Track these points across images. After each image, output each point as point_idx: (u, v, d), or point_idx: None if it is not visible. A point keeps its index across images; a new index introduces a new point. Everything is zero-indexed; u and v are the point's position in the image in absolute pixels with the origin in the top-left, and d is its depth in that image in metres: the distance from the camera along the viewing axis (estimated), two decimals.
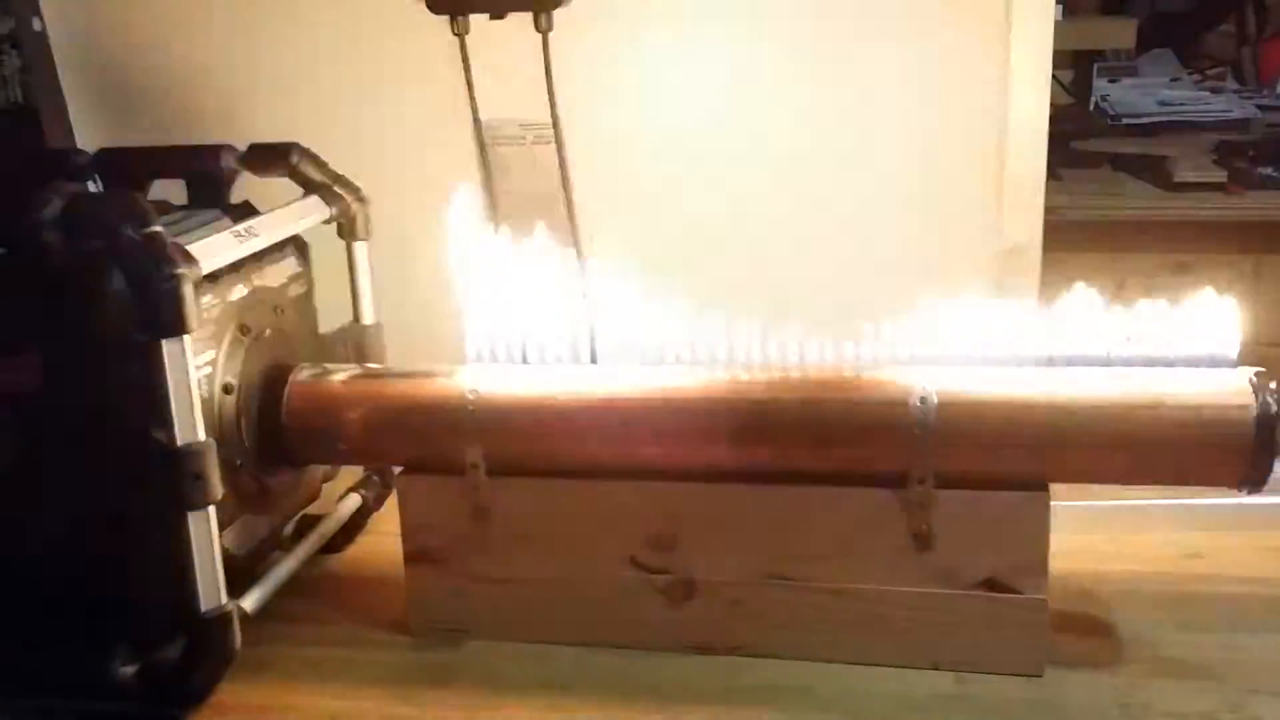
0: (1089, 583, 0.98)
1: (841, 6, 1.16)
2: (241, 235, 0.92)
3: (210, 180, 1.01)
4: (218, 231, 0.92)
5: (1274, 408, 0.80)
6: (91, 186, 1.04)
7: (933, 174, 1.18)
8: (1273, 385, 0.81)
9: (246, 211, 1.00)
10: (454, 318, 1.14)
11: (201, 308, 0.88)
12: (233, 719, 0.89)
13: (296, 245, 1.04)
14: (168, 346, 0.81)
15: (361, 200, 1.08)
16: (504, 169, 1.25)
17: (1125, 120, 2.00)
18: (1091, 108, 2.07)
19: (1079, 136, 2.00)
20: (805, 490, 0.88)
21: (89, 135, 1.32)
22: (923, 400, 0.84)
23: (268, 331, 0.98)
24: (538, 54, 1.17)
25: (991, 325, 0.89)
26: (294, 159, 1.04)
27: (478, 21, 1.18)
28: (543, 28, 1.16)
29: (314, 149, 1.06)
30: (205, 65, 1.29)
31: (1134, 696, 0.84)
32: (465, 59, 1.20)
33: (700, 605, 0.91)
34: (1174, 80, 2.15)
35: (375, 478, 1.15)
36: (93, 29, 1.31)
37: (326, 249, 1.08)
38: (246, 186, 1.02)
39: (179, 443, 0.82)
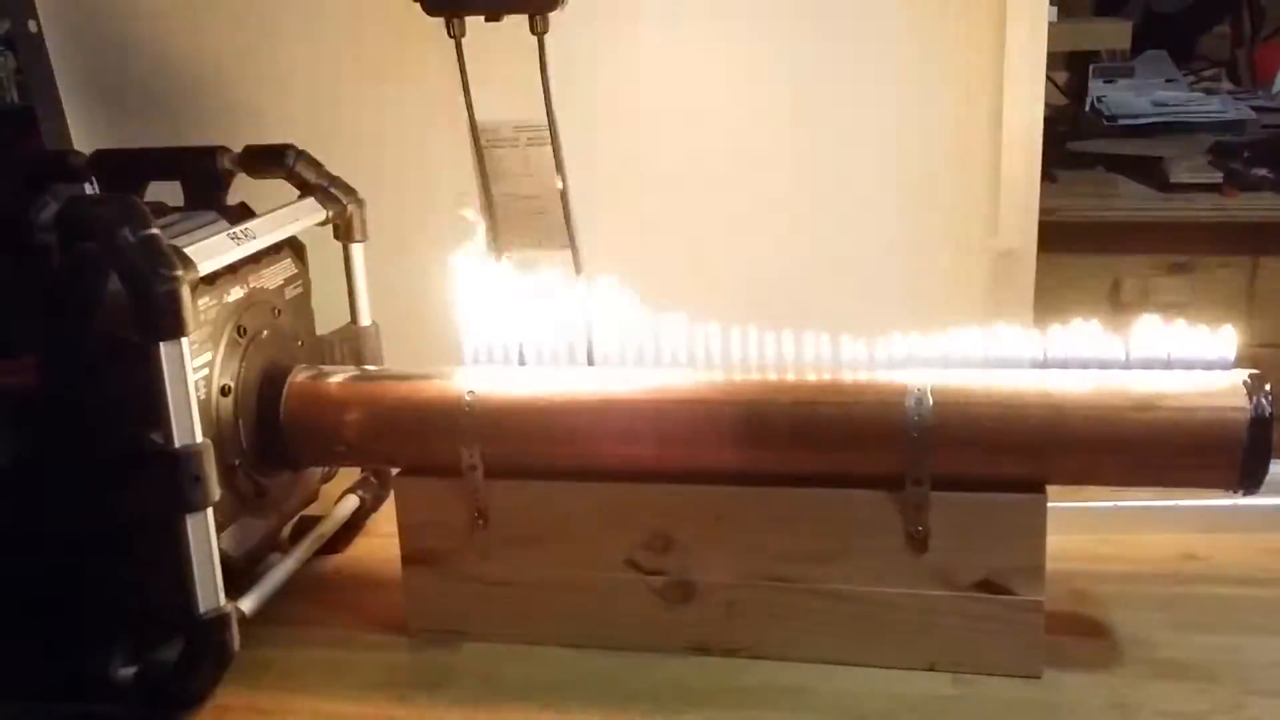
0: (1085, 584, 0.98)
1: (839, 7, 1.16)
2: (238, 237, 0.92)
3: (207, 182, 1.01)
4: (214, 234, 0.92)
5: (1269, 409, 0.80)
6: (88, 188, 1.04)
7: (929, 176, 1.18)
8: (1267, 387, 0.81)
9: (243, 213, 1.00)
10: (451, 319, 1.14)
11: (198, 310, 0.88)
12: None
13: (293, 247, 1.04)
14: (165, 348, 0.81)
15: (358, 202, 1.08)
16: (500, 171, 1.25)
17: (1121, 121, 2.00)
18: (1087, 109, 2.07)
19: (1074, 138, 2.01)
20: (801, 492, 0.88)
21: (85, 137, 1.32)
22: (918, 402, 0.84)
23: (265, 333, 0.98)
24: (534, 56, 1.18)
25: (987, 327, 0.89)
26: (290, 161, 1.04)
27: (474, 23, 1.19)
28: (539, 30, 1.17)
29: (310, 151, 1.06)
30: (201, 67, 1.29)
31: (1131, 698, 0.84)
32: (461, 60, 1.20)
33: (697, 607, 0.92)
34: (1169, 81, 2.15)
35: (373, 479, 1.15)
36: (89, 30, 1.31)
37: (323, 251, 1.08)
38: (243, 188, 1.02)
39: (177, 444, 0.82)
